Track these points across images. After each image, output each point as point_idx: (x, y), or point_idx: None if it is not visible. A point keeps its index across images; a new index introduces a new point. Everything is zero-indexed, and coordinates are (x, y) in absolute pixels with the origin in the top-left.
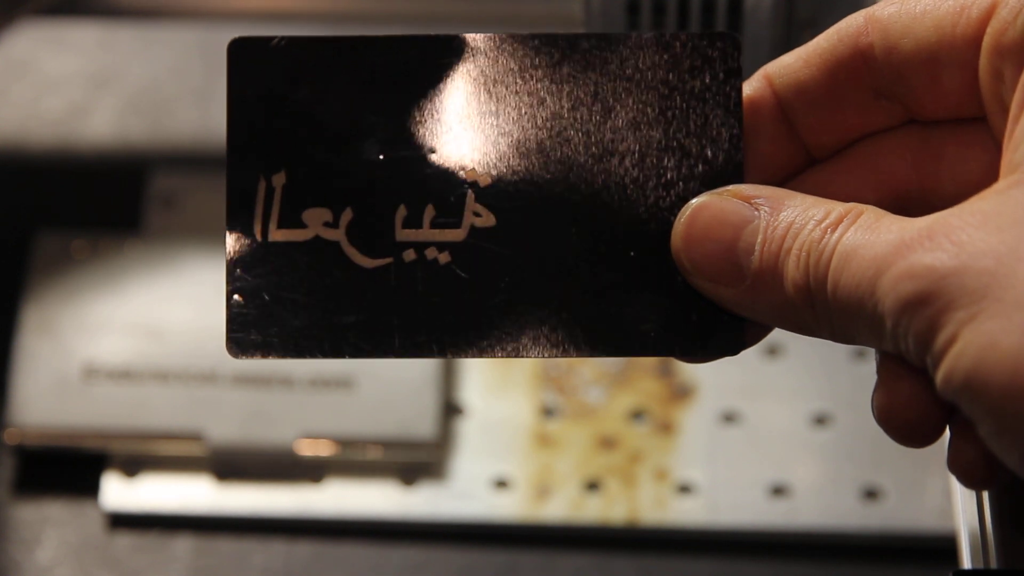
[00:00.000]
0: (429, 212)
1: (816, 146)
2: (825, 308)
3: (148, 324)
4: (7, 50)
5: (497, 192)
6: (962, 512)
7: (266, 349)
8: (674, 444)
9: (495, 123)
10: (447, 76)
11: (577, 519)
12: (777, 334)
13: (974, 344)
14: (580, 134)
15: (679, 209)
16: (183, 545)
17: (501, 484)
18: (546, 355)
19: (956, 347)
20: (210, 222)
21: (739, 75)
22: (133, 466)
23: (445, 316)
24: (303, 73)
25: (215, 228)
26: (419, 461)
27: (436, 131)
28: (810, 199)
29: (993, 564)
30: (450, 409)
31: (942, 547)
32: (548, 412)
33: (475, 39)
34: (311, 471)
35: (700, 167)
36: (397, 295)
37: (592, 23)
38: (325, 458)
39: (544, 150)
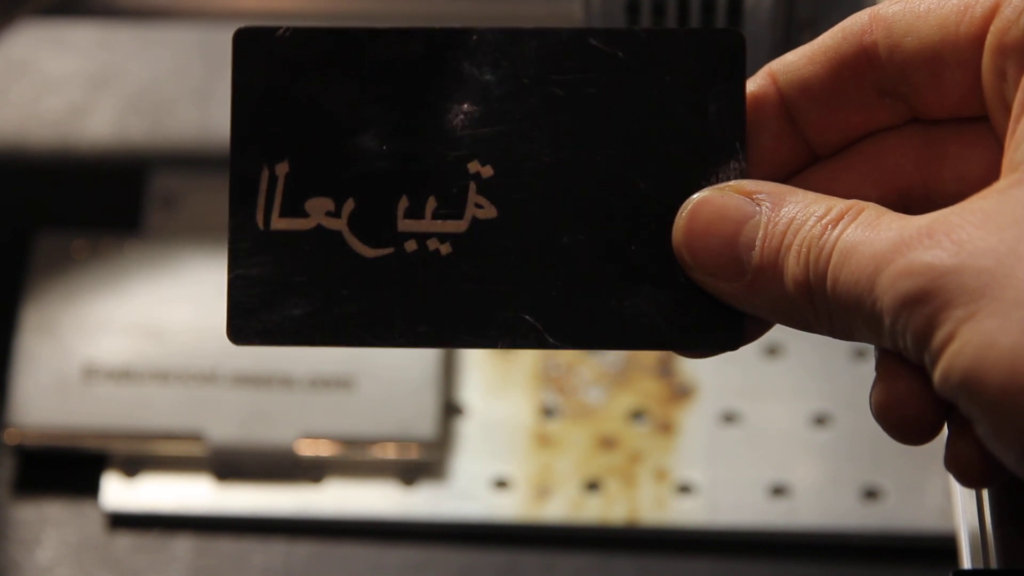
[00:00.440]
0: (431, 203)
1: (819, 143)
2: (825, 304)
3: (148, 324)
4: (7, 50)
5: (499, 184)
6: (962, 512)
7: (266, 336)
8: (674, 444)
9: (498, 116)
10: (451, 69)
11: (577, 519)
12: (777, 334)
13: (972, 343)
14: (583, 128)
15: (681, 204)
16: (183, 545)
17: (501, 484)
18: (547, 347)
19: (954, 345)
20: (210, 222)
21: (743, 72)
22: (133, 466)
23: (446, 307)
24: (307, 64)
25: (215, 228)
26: (419, 461)
27: (439, 123)
28: (811, 195)
29: (993, 564)
30: (450, 409)
31: (942, 547)
32: (548, 412)
33: (479, 32)
34: (311, 471)
35: (703, 163)
36: (398, 285)
37: (592, 23)
38: (325, 458)
39: (547, 143)
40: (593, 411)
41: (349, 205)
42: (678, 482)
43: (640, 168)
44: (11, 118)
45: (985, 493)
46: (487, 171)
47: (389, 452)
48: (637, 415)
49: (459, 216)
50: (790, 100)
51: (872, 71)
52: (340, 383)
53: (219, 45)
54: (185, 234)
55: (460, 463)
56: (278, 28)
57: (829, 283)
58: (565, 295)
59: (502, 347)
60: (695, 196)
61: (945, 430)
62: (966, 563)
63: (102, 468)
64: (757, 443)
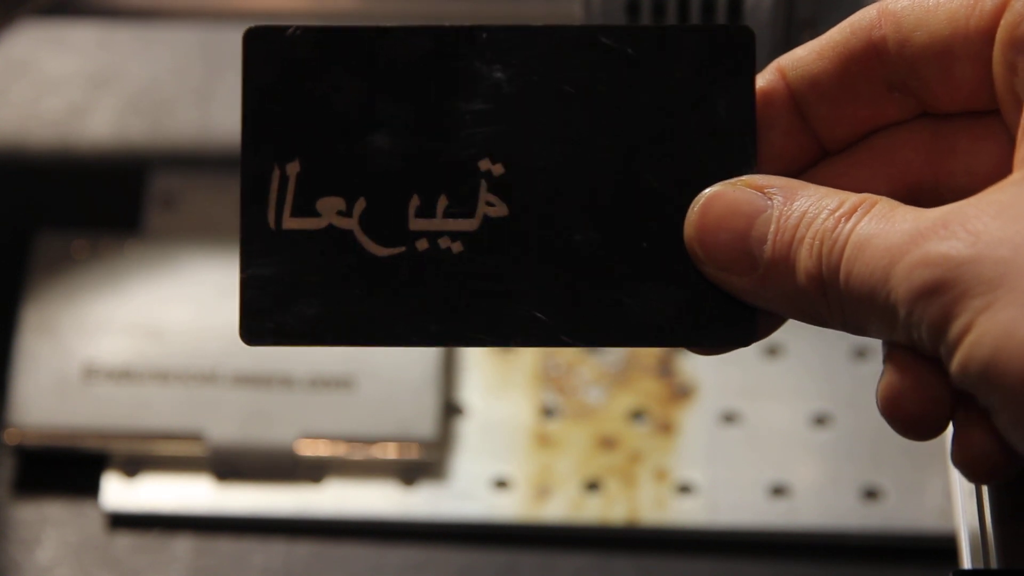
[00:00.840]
0: (442, 202)
1: (829, 139)
2: (837, 297)
3: (148, 324)
4: (7, 50)
5: (510, 182)
6: (962, 512)
7: (279, 337)
8: (674, 444)
9: (509, 113)
10: (461, 66)
11: (577, 519)
12: (777, 334)
13: (991, 333)
14: (593, 125)
15: (692, 200)
16: (183, 545)
17: (501, 484)
18: (559, 345)
19: (972, 336)
20: (210, 222)
21: (753, 68)
22: (133, 466)
23: (458, 305)
24: (317, 63)
25: (215, 228)
26: (419, 461)
27: (449, 121)
28: (823, 189)
29: (993, 564)
30: (450, 409)
31: (942, 547)
32: (548, 412)
33: (489, 30)
34: (311, 471)
35: (713, 159)
36: (410, 284)
37: (592, 22)
38: (325, 458)
39: (557, 140)
40: (593, 411)
41: (360, 204)
42: (678, 482)
43: (651, 164)
44: (11, 118)
45: (985, 493)
46: (498, 169)
47: (389, 452)
48: (637, 415)
49: (470, 214)
50: (799, 95)
51: (881, 66)
52: (340, 383)
53: (219, 45)
54: (185, 234)
55: (460, 463)
56: (288, 27)
57: (842, 276)
58: (577, 292)
59: (514, 345)
60: (707, 191)
61: (950, 428)
62: (966, 563)
63: (102, 468)
64: (757, 443)
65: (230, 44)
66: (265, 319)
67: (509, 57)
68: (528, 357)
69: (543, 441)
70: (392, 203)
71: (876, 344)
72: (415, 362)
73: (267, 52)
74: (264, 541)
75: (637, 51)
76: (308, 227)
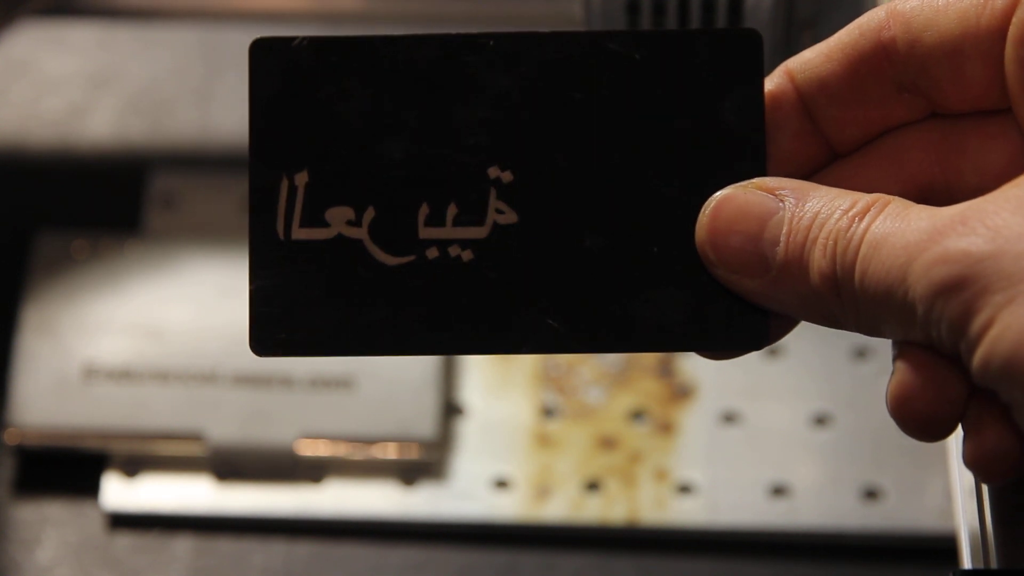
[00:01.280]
0: (452, 210)
1: (838, 141)
2: (852, 297)
3: (148, 324)
4: (7, 50)
5: (519, 189)
6: (962, 512)
7: (290, 348)
8: (674, 444)
9: (517, 120)
10: (468, 74)
11: (577, 519)
12: None
13: (1012, 327)
14: (602, 130)
15: (701, 204)
16: (183, 545)
17: (501, 484)
18: (571, 351)
19: (994, 331)
20: (210, 222)
21: (761, 71)
22: (133, 466)
23: (468, 313)
24: (324, 73)
25: (215, 228)
26: (419, 461)
27: (457, 129)
28: (835, 190)
29: (993, 564)
30: (450, 409)
31: (942, 547)
32: (548, 412)
33: (496, 37)
34: (311, 471)
35: (722, 162)
36: (420, 293)
37: (592, 23)
38: (325, 458)
39: (566, 146)
40: (593, 411)
41: (369, 213)
42: (678, 482)
43: (660, 169)
44: (11, 118)
45: (985, 493)
46: (507, 176)
47: (389, 452)
48: (637, 415)
49: (480, 222)
50: (808, 98)
51: (891, 67)
52: (340, 383)
53: (219, 45)
54: (185, 234)
55: (460, 463)
56: (294, 38)
57: (857, 275)
58: (588, 298)
59: (526, 352)
60: (717, 194)
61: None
62: (966, 563)
63: (102, 468)
64: (757, 443)
65: (230, 44)
66: (275, 330)
67: (516, 64)
68: (528, 357)
69: (543, 441)
70: (401, 212)
71: (876, 344)
72: (415, 362)
73: (273, 63)
74: (264, 541)
75: (644, 56)
76: (317, 237)
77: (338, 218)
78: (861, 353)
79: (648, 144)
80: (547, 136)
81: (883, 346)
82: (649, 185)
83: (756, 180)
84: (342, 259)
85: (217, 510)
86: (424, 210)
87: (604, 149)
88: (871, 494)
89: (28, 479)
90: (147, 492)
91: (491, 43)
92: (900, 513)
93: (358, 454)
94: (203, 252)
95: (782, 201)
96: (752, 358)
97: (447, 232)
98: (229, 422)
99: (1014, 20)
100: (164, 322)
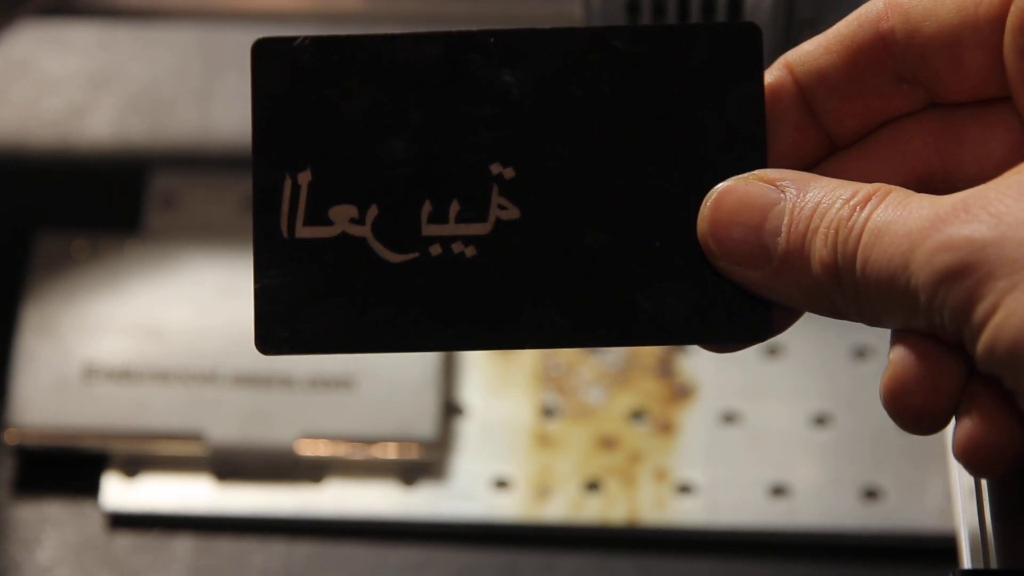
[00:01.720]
0: (454, 207)
1: (838, 132)
2: (853, 286)
3: (148, 324)
4: (7, 50)
5: (522, 185)
6: (962, 512)
7: (295, 346)
8: (674, 444)
9: (518, 117)
10: (469, 72)
11: (577, 519)
12: None
13: (1018, 313)
14: (603, 125)
15: (703, 198)
16: (183, 545)
17: (501, 484)
18: (575, 345)
19: (998, 316)
20: (210, 222)
21: (760, 64)
22: (133, 466)
23: (472, 309)
24: (326, 72)
25: (215, 228)
26: (419, 461)
27: (460, 126)
28: (835, 181)
29: (993, 564)
30: (450, 409)
31: (942, 547)
32: (548, 412)
33: (497, 35)
34: (311, 471)
35: (723, 155)
36: (424, 290)
37: (592, 22)
38: (325, 458)
39: (568, 142)
40: (593, 411)
41: (373, 211)
42: (678, 482)
43: (661, 163)
44: (11, 118)
45: (985, 493)
46: (509, 172)
47: (389, 452)
48: (637, 415)
49: (483, 218)
50: (807, 90)
51: (889, 58)
52: (340, 383)
53: (219, 45)
54: (185, 234)
55: (460, 463)
56: (296, 38)
57: (859, 264)
58: (591, 293)
59: (530, 347)
60: (719, 186)
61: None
62: (966, 563)
63: (102, 468)
64: (757, 443)
65: (230, 44)
66: (280, 329)
67: (517, 61)
68: (528, 357)
69: (543, 441)
70: (404, 209)
71: (876, 344)
72: (415, 362)
73: (275, 63)
74: (264, 541)
75: (644, 51)
76: (321, 235)
77: (341, 216)
78: (861, 353)
79: (649, 138)
80: (549, 132)
81: (883, 346)
82: (650, 179)
83: (757, 172)
84: (346, 257)
85: (217, 510)
86: (427, 207)
87: (605, 144)
88: (871, 494)
89: (28, 479)
90: (147, 492)
91: (492, 40)
92: (900, 513)
93: (358, 454)
94: (203, 252)
95: (783, 192)
96: (752, 358)
97: (450, 229)
98: (229, 422)
99: (1012, 9)
100: (164, 322)
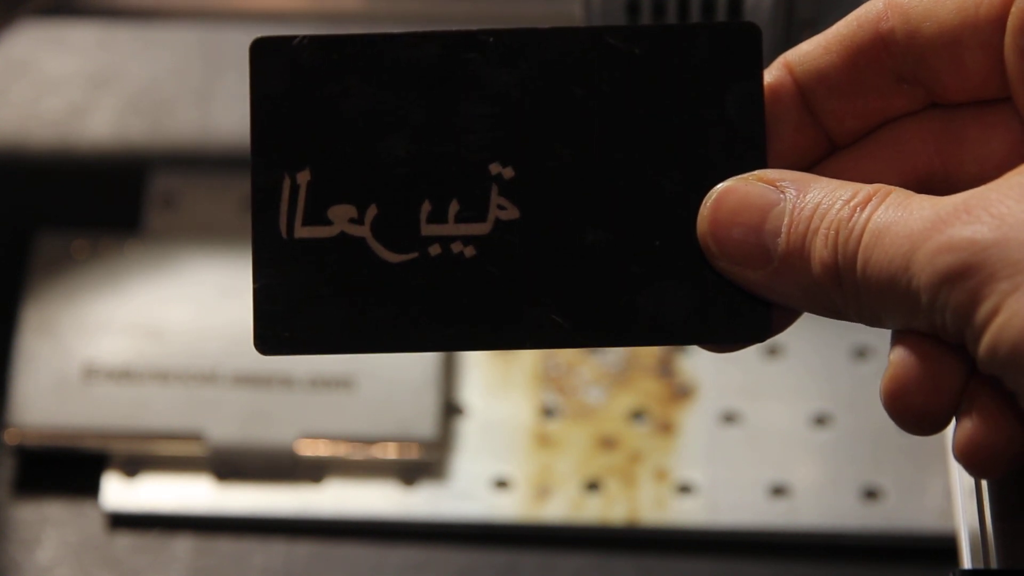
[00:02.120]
0: (454, 207)
1: (838, 132)
2: (854, 287)
3: (148, 324)
4: (7, 50)
5: (521, 185)
6: (962, 512)
7: (294, 346)
8: (674, 444)
9: (517, 116)
10: (468, 71)
11: (577, 519)
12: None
13: (1020, 314)
14: (603, 125)
15: (702, 198)
16: (183, 545)
17: (501, 484)
18: (574, 345)
19: (1000, 318)
20: (210, 222)
21: (760, 64)
22: (133, 466)
23: (472, 309)
24: (326, 71)
25: (215, 228)
26: (419, 461)
27: (458, 126)
28: (835, 181)
29: (993, 564)
30: (450, 409)
31: (942, 547)
32: (548, 412)
33: (496, 34)
34: (311, 471)
35: (723, 155)
36: (424, 290)
37: (592, 23)
38: (325, 458)
39: (567, 142)
40: (593, 411)
41: (372, 211)
42: (678, 482)
43: (661, 163)
44: (11, 118)
45: (985, 493)
46: (508, 172)
47: (389, 452)
48: (637, 415)
49: (482, 218)
50: (807, 90)
51: (889, 58)
52: (340, 383)
53: (219, 45)
54: (185, 234)
55: (460, 463)
56: (295, 37)
57: (859, 264)
58: (590, 293)
59: (530, 347)
60: (719, 186)
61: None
62: (966, 563)
63: (102, 468)
64: (757, 443)
65: (230, 44)
66: (279, 329)
67: (516, 60)
68: (528, 357)
69: (543, 441)
70: (403, 209)
71: (876, 344)
72: (415, 362)
73: (274, 62)
74: (264, 541)
75: (643, 51)
76: (320, 235)
77: (341, 216)
78: (861, 353)
79: (649, 138)
80: (548, 132)
81: (883, 346)
82: (650, 179)
83: (757, 172)
84: (345, 257)
85: (217, 510)
86: (426, 207)
87: (605, 144)
88: (871, 494)
89: (28, 479)
90: (147, 492)
91: (491, 40)
92: (900, 513)
93: (358, 454)
94: (203, 252)
95: (783, 192)
96: (752, 358)
97: (449, 229)
98: (229, 422)
99: (1013, 10)
100: (164, 322)
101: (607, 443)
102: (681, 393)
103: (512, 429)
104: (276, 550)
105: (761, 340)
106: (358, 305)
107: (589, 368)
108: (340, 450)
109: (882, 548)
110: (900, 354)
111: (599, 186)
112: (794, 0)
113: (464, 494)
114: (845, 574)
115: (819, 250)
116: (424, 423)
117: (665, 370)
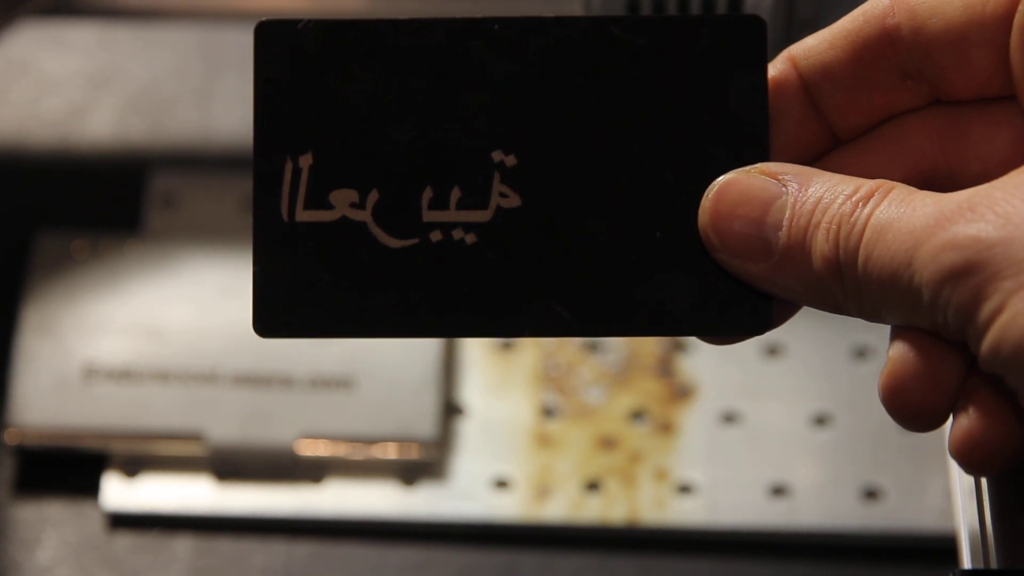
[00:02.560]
0: (455, 193)
1: (841, 127)
2: (855, 282)
3: (148, 324)
4: (7, 50)
5: (523, 173)
6: (962, 512)
7: (293, 329)
8: (674, 444)
9: (521, 105)
10: (472, 58)
11: (577, 519)
12: (777, 334)
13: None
14: (606, 115)
15: (704, 190)
16: (183, 545)
17: (501, 484)
18: (574, 334)
19: (1004, 316)
20: (210, 222)
21: (764, 57)
22: (133, 466)
23: (471, 297)
24: (330, 55)
25: (215, 228)
26: (419, 461)
27: (462, 113)
28: (838, 176)
29: (993, 564)
30: (450, 409)
31: (942, 547)
32: (548, 412)
33: (500, 22)
34: (311, 471)
35: (726, 148)
36: (424, 276)
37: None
38: (325, 458)
39: (570, 131)
40: (593, 411)
41: (373, 196)
42: (678, 482)
43: (663, 154)
44: (11, 118)
45: (985, 493)
46: (511, 160)
47: (389, 452)
48: (637, 415)
49: (484, 206)
50: (811, 84)
51: (895, 54)
52: (340, 383)
53: (219, 45)
54: (185, 234)
55: (460, 463)
56: (299, 21)
57: (861, 260)
58: (591, 282)
59: (529, 335)
60: (721, 178)
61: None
62: (966, 563)
63: (102, 468)
64: (757, 443)
65: (230, 44)
66: (279, 312)
67: (521, 49)
68: (528, 357)
69: (543, 441)
70: (405, 195)
71: (876, 344)
72: (415, 362)
73: (278, 46)
74: (264, 541)
75: (648, 41)
76: (321, 219)
77: (342, 200)
78: (861, 353)
79: (651, 129)
80: (551, 120)
81: (883, 346)
82: (652, 170)
83: (759, 165)
84: (346, 241)
85: (217, 510)
86: (428, 193)
87: (608, 134)
88: (871, 494)
89: (28, 479)
90: (147, 492)
91: (496, 27)
92: (900, 513)
93: (358, 454)
94: (203, 252)
95: (785, 186)
96: (752, 358)
97: (451, 215)
98: (229, 422)
99: (1020, 8)
100: (164, 322)
101: (607, 443)
102: (681, 393)
103: (512, 429)
104: (276, 550)
105: (761, 332)
106: (358, 290)
107: (589, 368)
108: (340, 450)
109: (882, 548)
110: (899, 350)
111: (601, 176)
112: (794, 0)
113: (464, 494)
114: (845, 574)
115: (820, 245)
116: (424, 423)
117: (665, 370)
